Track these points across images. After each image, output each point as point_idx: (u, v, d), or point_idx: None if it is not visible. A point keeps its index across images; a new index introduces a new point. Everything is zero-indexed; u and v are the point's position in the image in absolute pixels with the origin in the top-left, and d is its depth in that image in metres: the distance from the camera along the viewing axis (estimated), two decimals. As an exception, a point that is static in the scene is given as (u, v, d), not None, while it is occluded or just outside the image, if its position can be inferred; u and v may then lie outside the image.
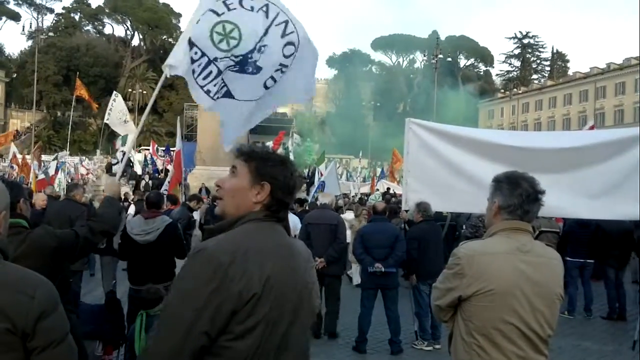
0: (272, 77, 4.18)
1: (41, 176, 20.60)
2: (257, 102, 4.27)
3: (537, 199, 2.32)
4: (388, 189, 22.93)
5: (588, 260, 8.81)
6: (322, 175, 26.06)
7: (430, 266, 6.64)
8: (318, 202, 8.71)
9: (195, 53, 3.97)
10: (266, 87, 4.21)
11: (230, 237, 1.76)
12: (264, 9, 4.08)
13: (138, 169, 30.30)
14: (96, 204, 10.08)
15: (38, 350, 1.64)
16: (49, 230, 2.99)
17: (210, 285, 1.61)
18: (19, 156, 26.08)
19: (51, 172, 21.96)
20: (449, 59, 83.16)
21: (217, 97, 4.15)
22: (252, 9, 4.06)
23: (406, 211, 7.20)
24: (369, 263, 6.61)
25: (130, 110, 22.93)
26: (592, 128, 13.30)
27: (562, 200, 5.96)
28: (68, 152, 26.71)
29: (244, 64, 4.07)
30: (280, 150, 28.80)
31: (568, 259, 8.62)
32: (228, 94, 4.19)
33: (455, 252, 2.32)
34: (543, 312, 2.23)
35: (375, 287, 6.74)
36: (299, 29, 4.21)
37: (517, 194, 2.30)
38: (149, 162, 33.63)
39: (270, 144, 29.87)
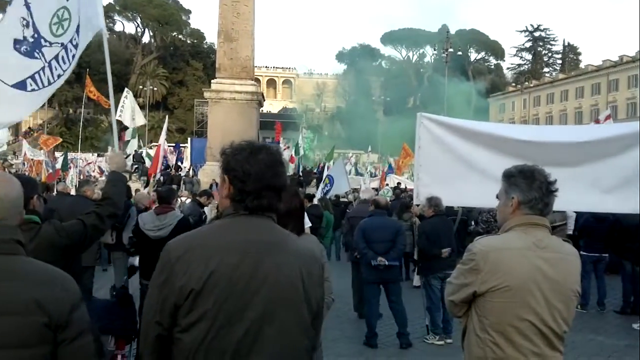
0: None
1: (49, 171, 21.27)
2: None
3: (552, 191, 2.29)
4: (398, 183, 22.85)
5: (603, 255, 8.73)
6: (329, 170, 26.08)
7: (441, 261, 6.62)
8: (360, 196, 9.63)
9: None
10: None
11: (195, 233, 1.88)
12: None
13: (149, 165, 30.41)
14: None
15: (67, 341, 1.70)
16: (57, 226, 2.96)
17: (160, 278, 1.76)
18: (30, 154, 26.36)
19: (57, 165, 22.35)
20: (459, 53, 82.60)
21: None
22: None
23: (417, 205, 7.18)
24: (371, 257, 6.61)
25: (142, 107, 23.05)
26: (608, 118, 13.15)
27: (576, 194, 5.90)
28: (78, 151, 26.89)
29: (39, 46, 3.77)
30: (285, 146, 28.85)
31: (582, 253, 8.55)
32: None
33: (470, 248, 2.28)
34: (559, 309, 2.19)
35: (378, 280, 6.74)
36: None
37: (537, 187, 2.25)
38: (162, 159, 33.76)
39: (283, 142, 29.94)
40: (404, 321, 6.64)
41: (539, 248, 2.21)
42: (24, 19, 3.74)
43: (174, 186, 21.90)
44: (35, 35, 3.79)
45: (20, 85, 3.75)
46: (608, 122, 12.76)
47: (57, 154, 30.26)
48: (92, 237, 3.11)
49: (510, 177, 2.33)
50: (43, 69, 3.84)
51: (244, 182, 1.79)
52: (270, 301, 1.72)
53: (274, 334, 1.72)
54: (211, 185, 22.16)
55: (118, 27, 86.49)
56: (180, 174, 26.47)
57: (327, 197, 13.41)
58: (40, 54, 3.82)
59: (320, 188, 13.15)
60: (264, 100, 31.32)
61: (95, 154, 43.33)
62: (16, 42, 3.70)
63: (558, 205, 2.38)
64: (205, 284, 1.68)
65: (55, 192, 12.17)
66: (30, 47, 3.76)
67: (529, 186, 2.26)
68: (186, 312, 1.70)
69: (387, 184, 23.80)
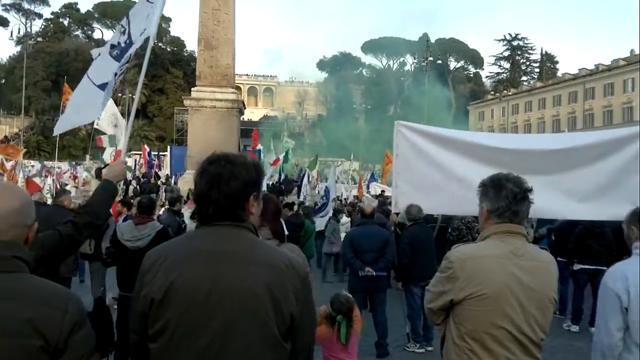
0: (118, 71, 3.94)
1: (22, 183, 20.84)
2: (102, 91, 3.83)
3: (524, 198, 2.30)
4: (382, 191, 22.88)
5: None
6: (311, 178, 26.09)
7: (422, 269, 6.63)
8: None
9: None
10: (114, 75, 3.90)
11: (167, 243, 1.92)
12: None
13: (127, 174, 30.12)
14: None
15: None
16: None
17: (135, 288, 1.82)
18: (7, 164, 25.89)
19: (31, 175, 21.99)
20: (439, 62, 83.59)
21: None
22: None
23: (397, 214, 7.19)
24: (359, 267, 6.59)
25: (122, 115, 22.81)
26: None
27: (553, 202, 5.98)
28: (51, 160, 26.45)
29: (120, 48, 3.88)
30: (260, 153, 28.80)
31: (559, 259, 8.65)
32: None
33: (448, 256, 2.30)
34: (535, 316, 2.21)
35: (365, 290, 6.71)
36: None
37: (503, 196, 2.28)
38: (138, 166, 33.47)
39: (263, 149, 29.85)
40: (384, 332, 6.63)
41: (516, 256, 2.23)
42: (122, 26, 3.90)
43: (153, 195, 21.76)
44: (127, 41, 3.86)
45: (103, 87, 3.82)
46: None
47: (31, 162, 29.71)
48: (69, 247, 2.98)
49: (484, 187, 2.38)
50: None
51: (196, 198, 1.85)
52: (232, 314, 1.68)
53: (237, 348, 1.68)
54: (188, 194, 22.05)
55: (97, 35, 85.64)
56: (158, 183, 26.22)
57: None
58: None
59: (302, 196, 13.06)
60: (245, 108, 31.26)
61: (68, 162, 42.69)
62: (112, 46, 3.84)
63: (535, 212, 2.41)
64: (166, 294, 1.68)
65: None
66: (120, 51, 3.85)
67: (497, 195, 2.29)
68: (152, 322, 1.72)
69: (369, 192, 23.89)
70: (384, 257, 6.62)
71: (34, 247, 2.79)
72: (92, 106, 3.87)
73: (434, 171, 6.56)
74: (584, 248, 8.18)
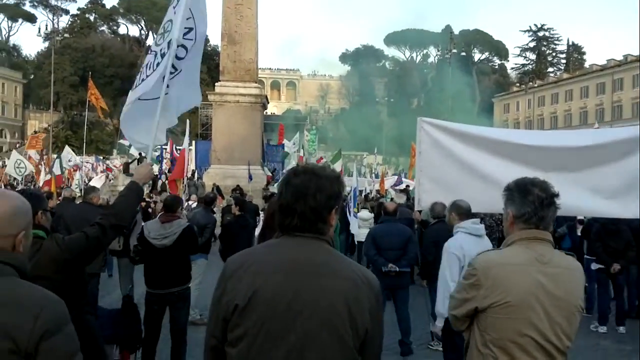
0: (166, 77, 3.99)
1: (47, 177, 21.26)
2: (158, 103, 3.89)
3: (551, 204, 2.26)
4: (407, 186, 22.64)
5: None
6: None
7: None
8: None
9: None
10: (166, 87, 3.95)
11: (250, 250, 1.98)
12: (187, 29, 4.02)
13: (155, 169, 30.49)
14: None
15: None
16: (58, 241, 2.94)
17: (216, 292, 1.86)
18: (35, 157, 26.48)
19: (56, 171, 22.36)
20: (463, 53, 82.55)
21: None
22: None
23: (419, 212, 7.17)
24: (382, 264, 6.59)
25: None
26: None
27: (580, 199, 5.90)
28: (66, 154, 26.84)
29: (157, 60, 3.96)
30: (288, 148, 28.87)
31: (586, 257, 8.54)
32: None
33: (472, 263, 2.29)
34: (561, 324, 2.19)
35: (388, 287, 6.72)
36: (199, 37, 4.12)
37: (529, 202, 2.25)
38: (164, 160, 33.86)
39: (286, 143, 29.95)
40: (408, 329, 6.62)
41: (541, 263, 2.21)
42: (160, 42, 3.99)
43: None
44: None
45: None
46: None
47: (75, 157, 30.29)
48: (96, 249, 3.06)
49: (509, 191, 2.34)
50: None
51: (279, 205, 1.87)
52: (312, 325, 1.71)
53: (315, 358, 1.72)
54: (213, 189, 22.25)
55: (122, 30, 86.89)
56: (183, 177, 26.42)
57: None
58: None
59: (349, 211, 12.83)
60: (268, 103, 31.36)
61: (94, 157, 43.38)
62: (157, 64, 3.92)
63: (561, 210, 2.37)
64: (249, 301, 1.73)
65: (62, 198, 12.23)
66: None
67: (522, 200, 2.26)
68: (233, 327, 1.77)
69: (393, 187, 23.70)
70: (407, 255, 6.61)
71: (65, 251, 2.91)
72: (164, 117, 3.98)
73: (457, 168, 6.52)
74: (602, 246, 8.07)
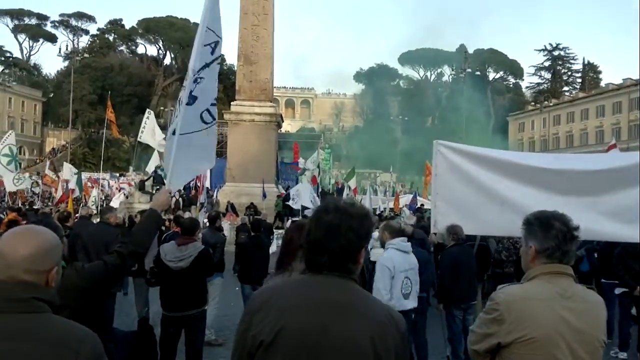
0: (208, 111, 4.06)
1: (60, 193, 21.84)
2: (197, 137, 3.96)
3: (573, 237, 2.24)
4: (422, 205, 22.53)
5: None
6: (349, 191, 26.06)
7: (463, 290, 6.53)
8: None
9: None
10: (204, 122, 4.03)
11: (276, 285, 1.96)
12: (212, 45, 4.03)
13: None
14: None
15: None
16: (79, 269, 2.97)
17: (242, 325, 1.84)
18: (52, 175, 26.88)
19: (71, 185, 22.78)
20: (478, 73, 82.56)
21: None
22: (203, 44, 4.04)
23: (434, 234, 7.12)
24: (399, 288, 6.54)
25: (162, 128, 23.38)
26: (612, 147, 12.76)
27: (597, 223, 5.82)
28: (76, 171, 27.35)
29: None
30: (307, 165, 28.93)
31: (603, 281, 8.39)
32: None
33: (494, 297, 2.26)
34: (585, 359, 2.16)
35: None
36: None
37: (553, 236, 2.22)
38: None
39: (302, 162, 30.07)
40: (424, 355, 6.55)
41: (564, 298, 2.18)
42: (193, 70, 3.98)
43: (194, 207, 22.07)
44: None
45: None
46: (613, 151, 12.41)
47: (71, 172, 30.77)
48: (115, 277, 3.10)
49: (529, 225, 2.31)
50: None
51: (308, 242, 1.84)
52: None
53: None
54: (227, 207, 22.34)
55: (140, 50, 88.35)
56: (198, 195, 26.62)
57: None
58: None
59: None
60: (283, 121, 31.58)
61: (109, 174, 43.92)
62: (190, 97, 3.94)
63: (582, 234, 2.34)
64: (275, 338, 1.71)
65: (78, 216, 12.36)
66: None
67: (545, 234, 2.23)
68: None
69: (406, 205, 23.62)
70: (424, 279, 6.55)
71: (84, 280, 2.94)
72: (203, 154, 4.08)
73: (474, 191, 6.49)
74: (625, 270, 7.91)
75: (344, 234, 1.78)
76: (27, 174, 21.62)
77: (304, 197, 19.70)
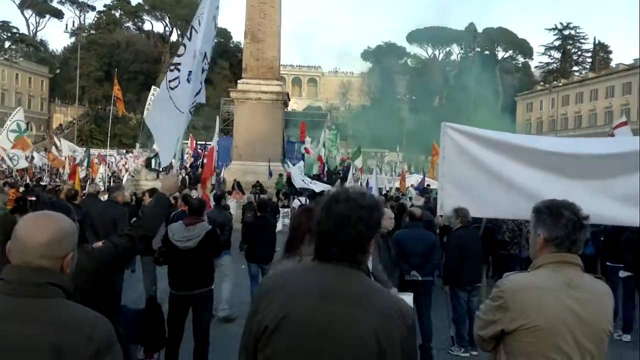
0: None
1: (67, 169, 22.27)
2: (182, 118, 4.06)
3: (582, 226, 2.24)
4: (428, 185, 22.50)
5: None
6: (355, 170, 26.06)
7: (469, 273, 6.56)
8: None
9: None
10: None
11: (284, 271, 2.02)
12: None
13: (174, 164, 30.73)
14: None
15: None
16: (88, 251, 3.00)
17: (251, 309, 1.89)
18: (55, 153, 27.06)
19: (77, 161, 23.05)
20: (487, 52, 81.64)
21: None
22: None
23: (441, 216, 7.13)
24: (405, 270, 6.57)
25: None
26: (623, 124, 12.66)
27: (604, 207, 5.80)
28: (84, 149, 27.38)
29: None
30: (313, 146, 28.92)
31: (608, 264, 8.41)
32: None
33: (499, 285, 2.27)
34: (590, 350, 2.17)
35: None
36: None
37: (562, 225, 2.21)
38: (185, 156, 34.24)
39: (308, 141, 30.04)
40: (429, 335, 6.60)
41: (571, 288, 2.18)
42: (195, 51, 4.04)
43: (199, 185, 22.16)
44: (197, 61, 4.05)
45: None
46: (622, 128, 12.30)
47: (80, 149, 30.86)
48: (124, 260, 3.16)
49: (539, 213, 2.31)
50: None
51: (318, 232, 1.83)
52: (340, 356, 1.70)
53: None
54: (233, 185, 22.40)
55: (147, 27, 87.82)
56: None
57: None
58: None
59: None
60: (289, 100, 31.46)
61: (116, 151, 44.08)
62: (189, 73, 3.99)
63: (591, 219, 2.33)
64: (279, 325, 1.73)
65: (86, 193, 12.44)
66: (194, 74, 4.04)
67: (555, 223, 2.23)
68: (262, 347, 1.78)
69: (410, 186, 23.60)
70: (430, 262, 6.58)
71: (94, 262, 2.98)
72: (174, 129, 4.12)
73: (482, 174, 6.46)
74: (633, 254, 7.91)
75: (354, 225, 1.76)
76: (20, 151, 21.59)
77: (296, 180, 20.96)
